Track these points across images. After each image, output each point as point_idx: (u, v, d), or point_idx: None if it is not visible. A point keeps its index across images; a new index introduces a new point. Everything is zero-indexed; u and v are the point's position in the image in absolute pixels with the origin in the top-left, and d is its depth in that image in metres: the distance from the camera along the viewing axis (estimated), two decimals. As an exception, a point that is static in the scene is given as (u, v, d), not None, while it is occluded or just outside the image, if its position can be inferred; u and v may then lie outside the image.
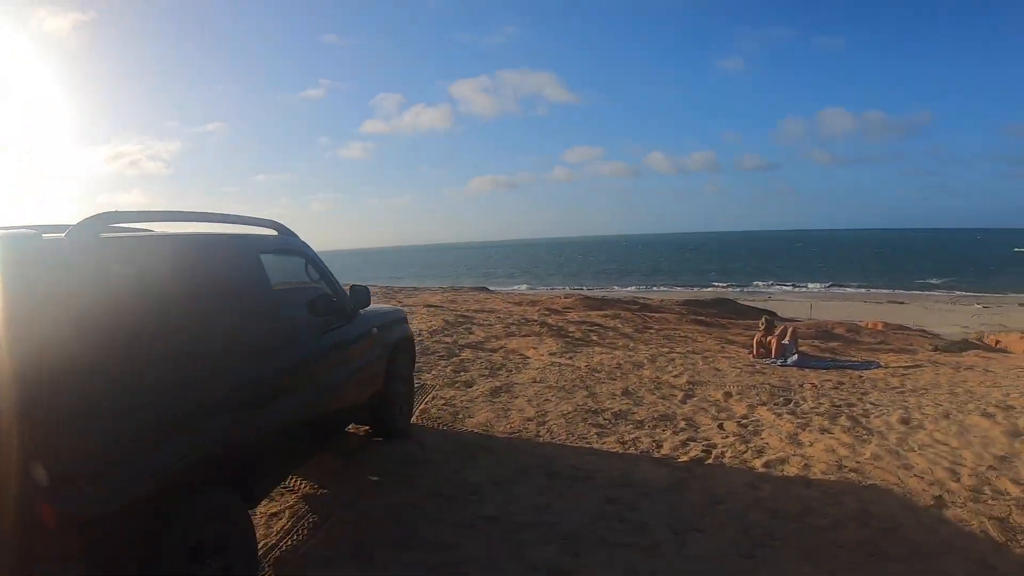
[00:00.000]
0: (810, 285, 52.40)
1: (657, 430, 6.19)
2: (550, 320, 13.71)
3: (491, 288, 29.01)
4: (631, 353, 10.33)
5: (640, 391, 7.81)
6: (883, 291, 48.25)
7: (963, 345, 16.26)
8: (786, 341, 10.31)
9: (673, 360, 9.64)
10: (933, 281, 54.36)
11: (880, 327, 24.24)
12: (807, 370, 9.07)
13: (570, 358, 9.78)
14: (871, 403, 7.13)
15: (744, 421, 6.58)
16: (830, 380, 8.34)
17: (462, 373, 8.28)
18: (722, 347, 11.65)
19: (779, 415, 6.74)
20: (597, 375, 8.61)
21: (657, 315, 16.71)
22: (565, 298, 21.76)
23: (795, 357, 9.45)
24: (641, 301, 22.31)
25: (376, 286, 29.70)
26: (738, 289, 50.47)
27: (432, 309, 15.51)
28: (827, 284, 52.39)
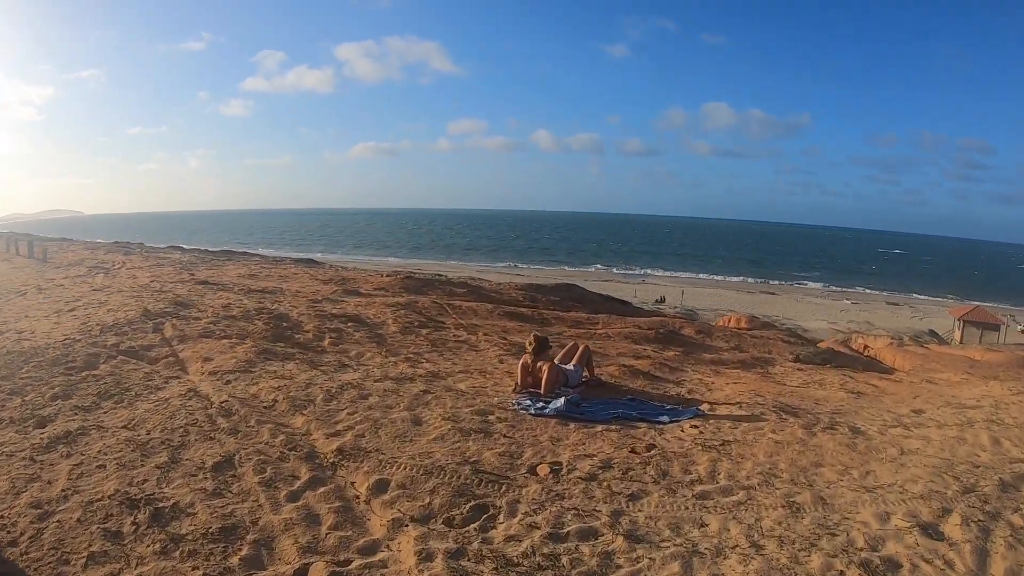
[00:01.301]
0: (683, 272, 50.71)
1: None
2: (292, 313, 9.69)
3: (318, 260, 24.53)
4: (334, 374, 6.53)
5: (245, 465, 4.29)
6: (756, 281, 47.11)
7: (828, 355, 13.38)
8: (570, 366, 6.64)
9: (366, 397, 5.78)
10: (804, 274, 54.04)
11: (743, 323, 21.49)
12: (573, 425, 5.34)
13: (228, 382, 6.14)
14: (629, 532, 3.45)
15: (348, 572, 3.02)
16: (593, 456, 4.63)
17: (40, 410, 5.31)
18: (500, 361, 7.91)
19: (430, 555, 3.11)
20: (221, 421, 5.07)
21: (468, 304, 12.86)
22: (387, 276, 17.73)
23: (560, 404, 5.64)
24: (474, 283, 18.53)
25: (193, 252, 24.73)
26: (610, 271, 48.02)
27: (203, 287, 12.28)
28: (702, 272, 50.89)
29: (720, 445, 4.90)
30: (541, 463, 4.43)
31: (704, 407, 6.13)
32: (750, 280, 47.57)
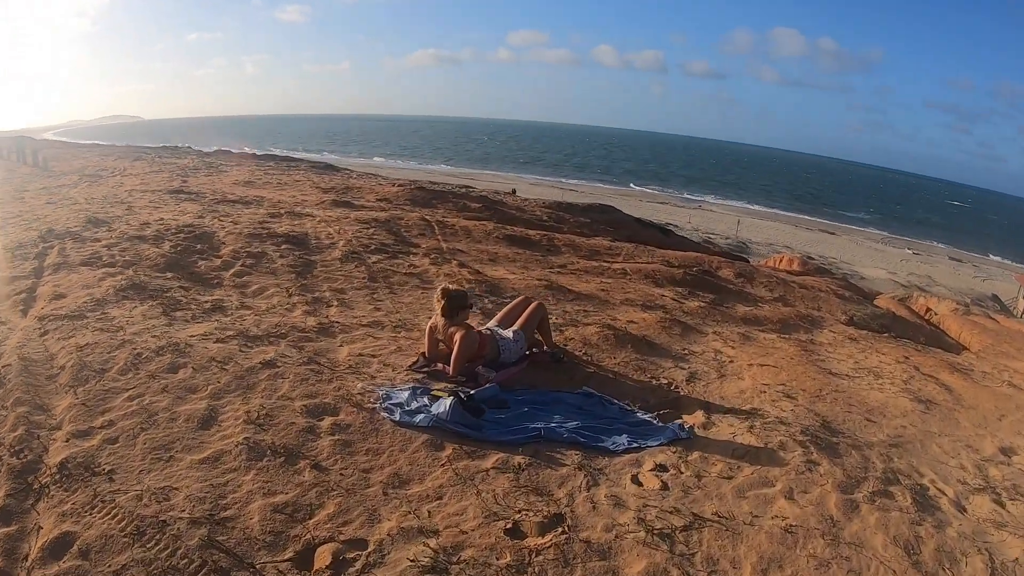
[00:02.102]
0: (742, 202, 46.48)
1: None
2: (220, 233, 7.69)
3: (337, 165, 22.43)
4: (180, 326, 4.55)
5: None
6: (816, 219, 42.91)
7: (887, 321, 10.65)
8: (508, 332, 4.34)
9: (176, 369, 3.70)
10: (865, 217, 49.19)
11: (796, 265, 18.42)
12: (451, 450, 3.10)
13: (44, 332, 4.39)
14: None
15: None
16: (433, 536, 2.42)
17: None
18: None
19: None
20: None
21: (464, 223, 10.54)
22: (398, 186, 15.53)
23: (443, 408, 3.27)
24: (496, 198, 16.12)
25: (216, 155, 23.04)
26: (666, 193, 44.29)
27: (172, 197, 10.42)
28: (761, 203, 46.54)
29: (682, 530, 2.61)
30: (329, 540, 2.29)
31: (695, 421, 3.81)
32: (809, 217, 43.29)
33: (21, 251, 6.22)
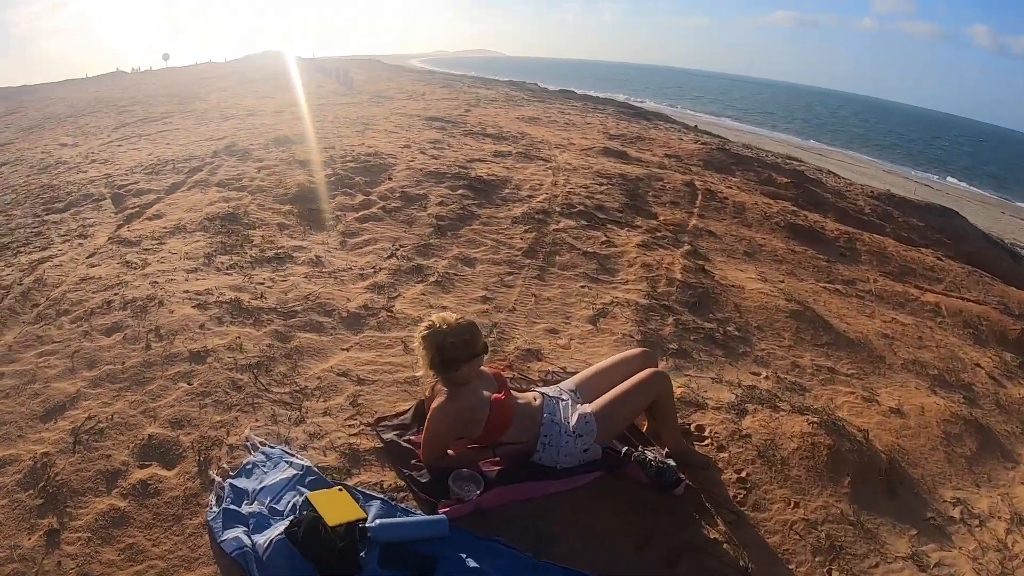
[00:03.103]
0: None
1: None
2: (399, 164, 6.91)
3: (652, 115, 20.33)
4: (220, 272, 3.98)
5: None
6: None
7: None
8: (573, 414, 2.42)
9: (116, 335, 3.02)
10: None
11: None
12: None
13: (114, 255, 4.30)
14: None
15: None
16: None
17: None
18: (594, 322, 3.93)
19: None
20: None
21: (742, 198, 7.82)
22: (698, 144, 13.19)
23: (268, 545, 1.71)
24: (814, 176, 12.74)
25: (543, 92, 23.00)
26: (1001, 198, 32.06)
27: (424, 123, 9.93)
28: None
29: None
30: None
31: None
32: None
33: (181, 164, 6.23)
